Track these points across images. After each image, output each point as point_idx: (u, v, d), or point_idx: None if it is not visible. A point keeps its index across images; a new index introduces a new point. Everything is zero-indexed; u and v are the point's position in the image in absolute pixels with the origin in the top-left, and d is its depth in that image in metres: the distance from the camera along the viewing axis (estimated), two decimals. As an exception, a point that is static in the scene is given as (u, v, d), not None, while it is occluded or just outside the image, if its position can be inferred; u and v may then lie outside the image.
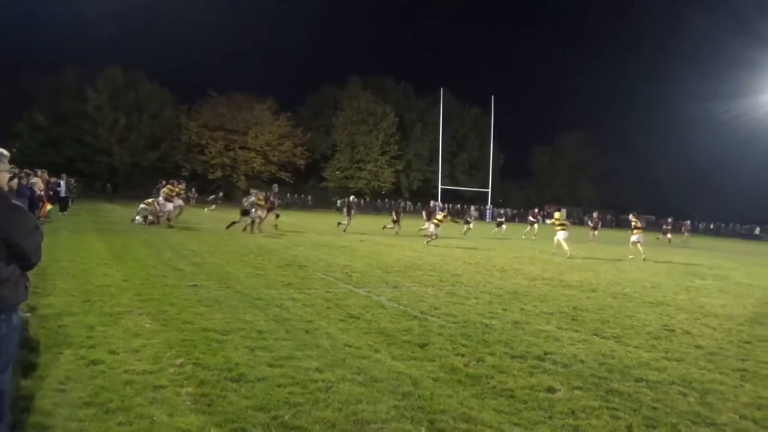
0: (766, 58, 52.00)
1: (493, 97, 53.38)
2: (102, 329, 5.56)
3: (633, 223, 20.15)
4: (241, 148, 60.94)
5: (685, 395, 4.75)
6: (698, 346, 6.60)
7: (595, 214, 31.37)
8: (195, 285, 8.45)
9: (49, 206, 19.73)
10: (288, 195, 57.35)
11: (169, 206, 20.23)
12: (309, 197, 62.72)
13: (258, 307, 7.22)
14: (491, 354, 5.64)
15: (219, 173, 59.82)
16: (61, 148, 53.48)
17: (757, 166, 59.97)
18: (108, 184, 52.39)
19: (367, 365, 4.99)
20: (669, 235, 32.62)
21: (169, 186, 21.04)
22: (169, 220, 20.05)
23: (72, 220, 20.99)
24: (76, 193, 32.24)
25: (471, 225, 27.38)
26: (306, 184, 65.87)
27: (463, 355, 5.52)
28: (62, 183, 24.15)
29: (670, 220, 35.95)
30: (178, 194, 21.20)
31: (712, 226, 63.81)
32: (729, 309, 9.64)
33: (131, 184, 55.50)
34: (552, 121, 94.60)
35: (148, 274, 9.23)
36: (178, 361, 4.73)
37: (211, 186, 58.39)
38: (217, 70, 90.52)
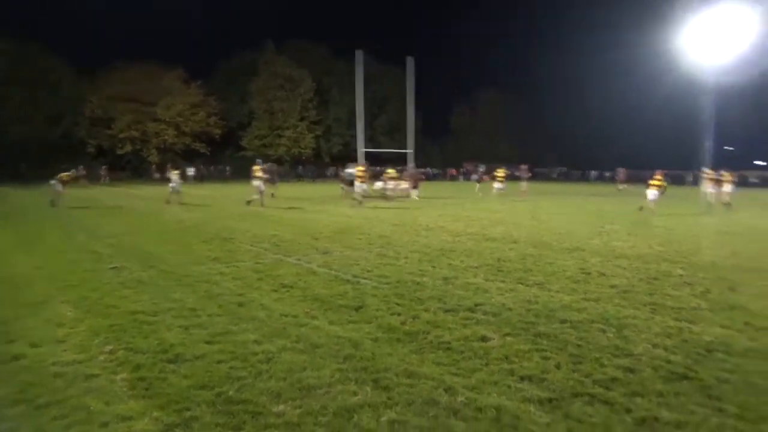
0: (668, 8, 54.83)
1: (409, 58, 53.18)
2: (19, 321, 5.23)
3: (654, 181, 18.27)
4: (152, 120, 57.71)
5: (604, 331, 5.14)
6: (612, 286, 7.12)
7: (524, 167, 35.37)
8: (115, 267, 8.08)
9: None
10: (202, 166, 55.35)
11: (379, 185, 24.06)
12: (227, 167, 60.79)
13: (186, 284, 7.02)
14: (425, 310, 5.82)
15: (129, 147, 56.47)
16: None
17: (655, 113, 63.75)
18: (23, 164, 48.12)
19: (306, 332, 5.02)
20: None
21: (359, 168, 22.52)
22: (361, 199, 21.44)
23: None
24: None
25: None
26: (223, 155, 63.65)
27: (399, 314, 5.66)
28: None
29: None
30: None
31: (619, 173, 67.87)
32: (637, 250, 10.41)
33: (38, 164, 51.24)
34: (468, 80, 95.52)
35: (63, 259, 8.72)
36: (108, 347, 4.55)
37: (121, 162, 55.18)
38: (120, 39, 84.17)
